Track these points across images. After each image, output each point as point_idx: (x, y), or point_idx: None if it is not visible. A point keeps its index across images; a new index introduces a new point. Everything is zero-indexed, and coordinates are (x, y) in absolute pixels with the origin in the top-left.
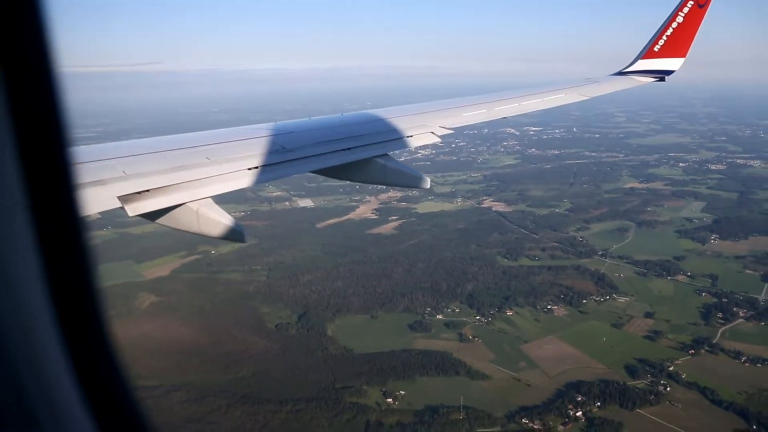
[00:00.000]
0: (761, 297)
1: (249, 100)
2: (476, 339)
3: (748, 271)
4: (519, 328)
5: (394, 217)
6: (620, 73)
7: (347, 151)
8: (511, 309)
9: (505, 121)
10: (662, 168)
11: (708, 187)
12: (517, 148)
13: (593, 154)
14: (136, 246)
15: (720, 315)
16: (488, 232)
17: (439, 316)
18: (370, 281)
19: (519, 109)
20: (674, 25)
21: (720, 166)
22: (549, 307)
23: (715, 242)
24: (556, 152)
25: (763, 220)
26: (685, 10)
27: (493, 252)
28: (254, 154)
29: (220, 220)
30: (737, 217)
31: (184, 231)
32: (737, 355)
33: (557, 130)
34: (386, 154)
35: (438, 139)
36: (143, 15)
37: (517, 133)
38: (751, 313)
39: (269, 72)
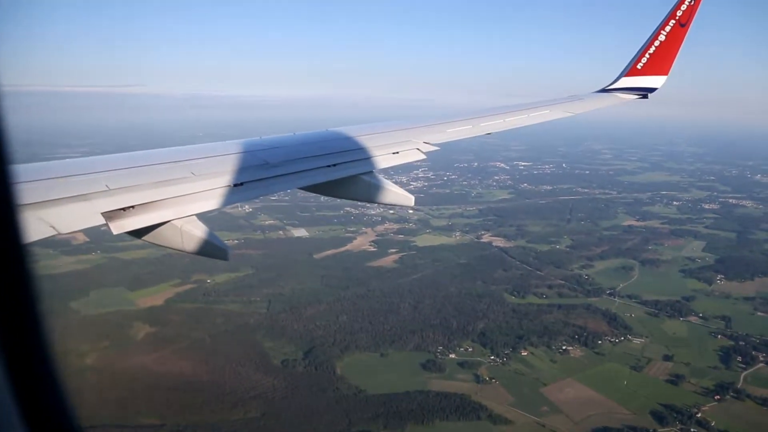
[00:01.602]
0: None
1: (234, 126)
2: (493, 380)
3: (759, 313)
4: (536, 370)
5: (394, 250)
6: (604, 91)
7: (333, 168)
8: (525, 349)
9: (494, 156)
10: (657, 206)
11: (705, 227)
12: (510, 182)
13: (586, 190)
14: (126, 272)
15: (740, 359)
16: (492, 267)
17: (452, 356)
18: (377, 317)
19: (504, 125)
20: (656, 43)
21: (713, 206)
22: (564, 347)
23: (721, 283)
24: (548, 188)
25: (765, 261)
26: (667, 28)
27: (500, 288)
28: (239, 169)
29: (203, 238)
30: (739, 257)
31: (167, 247)
32: (764, 401)
33: (547, 166)
34: (371, 171)
35: (424, 156)
36: (127, 37)
37: (507, 167)
38: None
39: (254, 99)
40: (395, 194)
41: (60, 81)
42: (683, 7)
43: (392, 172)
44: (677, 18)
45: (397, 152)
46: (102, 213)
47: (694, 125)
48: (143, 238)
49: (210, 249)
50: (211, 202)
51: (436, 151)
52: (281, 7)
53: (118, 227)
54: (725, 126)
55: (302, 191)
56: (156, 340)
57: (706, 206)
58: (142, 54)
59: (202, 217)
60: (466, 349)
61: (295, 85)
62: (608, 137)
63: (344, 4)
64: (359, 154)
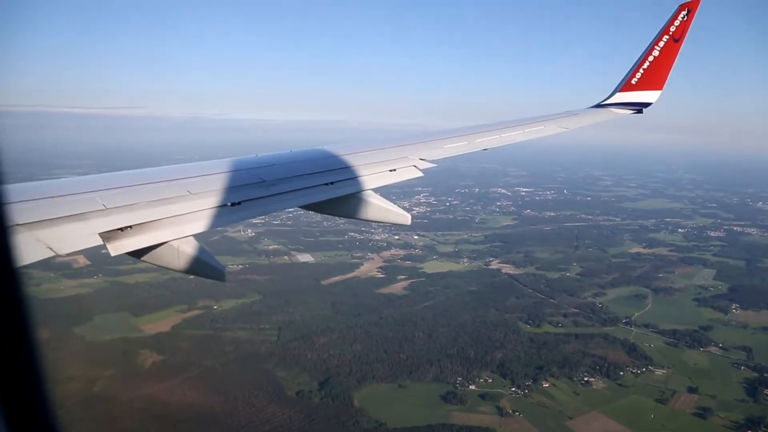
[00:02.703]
0: None
1: (233, 148)
2: (517, 413)
3: None
4: (559, 402)
5: (403, 277)
6: (599, 106)
7: (330, 186)
8: (546, 380)
9: (495, 181)
10: (662, 233)
11: (713, 254)
12: (512, 208)
13: (590, 217)
14: (130, 296)
15: (767, 392)
16: (504, 295)
17: (472, 387)
18: (392, 346)
19: (500, 141)
20: (650, 58)
21: (719, 233)
22: (586, 378)
23: (737, 312)
24: (552, 214)
25: None
26: (661, 44)
27: (514, 317)
28: (235, 188)
29: (200, 258)
30: (752, 286)
31: (163, 267)
32: None
33: (548, 192)
34: (369, 190)
35: (421, 174)
36: (128, 58)
37: (509, 193)
38: None
39: (252, 122)
40: (393, 213)
41: (58, 102)
42: (677, 22)
43: (393, 196)
44: (671, 33)
45: (394, 169)
46: (99, 233)
47: (690, 152)
48: (141, 258)
49: (206, 270)
50: (208, 222)
51: (436, 175)
52: (283, 32)
53: (116, 248)
54: (719, 152)
55: (303, 212)
56: (164, 369)
57: (712, 234)
58: (143, 76)
59: (204, 239)
60: (486, 380)
61: (298, 110)
62: (605, 163)
63: (346, 20)
64: (356, 172)
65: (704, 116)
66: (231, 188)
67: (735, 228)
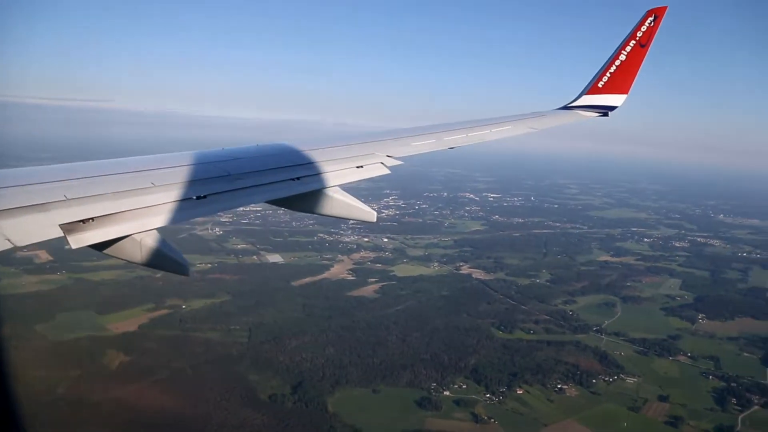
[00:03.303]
0: None
1: (202, 145)
2: (492, 420)
3: (746, 354)
4: (533, 409)
5: (373, 280)
6: (565, 108)
7: (297, 181)
8: (520, 387)
9: (463, 186)
10: (629, 242)
11: (679, 265)
12: (481, 213)
13: (557, 224)
14: (95, 294)
15: (734, 401)
16: (475, 300)
17: (447, 393)
18: (365, 350)
19: (467, 140)
20: (617, 62)
21: (683, 244)
22: (559, 386)
23: (703, 322)
24: (520, 220)
25: (742, 300)
26: (628, 48)
27: (486, 323)
28: (201, 181)
29: (164, 252)
30: (717, 296)
31: (126, 261)
32: None
33: (516, 198)
34: (335, 186)
35: (388, 171)
36: (95, 50)
37: (477, 198)
38: (765, 400)
39: (224, 120)
40: (359, 210)
41: (23, 92)
42: (644, 27)
43: (362, 198)
44: (638, 38)
45: (361, 166)
46: (60, 225)
47: (653, 163)
48: (103, 251)
49: (170, 264)
50: (173, 215)
51: (404, 178)
52: (259, 29)
53: (77, 241)
54: (682, 165)
55: (271, 212)
56: (132, 370)
57: (677, 244)
58: (111, 69)
59: (171, 236)
60: (460, 386)
61: (271, 109)
62: (571, 171)
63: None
64: (323, 168)
65: (668, 129)
66: (196, 181)
67: (699, 239)
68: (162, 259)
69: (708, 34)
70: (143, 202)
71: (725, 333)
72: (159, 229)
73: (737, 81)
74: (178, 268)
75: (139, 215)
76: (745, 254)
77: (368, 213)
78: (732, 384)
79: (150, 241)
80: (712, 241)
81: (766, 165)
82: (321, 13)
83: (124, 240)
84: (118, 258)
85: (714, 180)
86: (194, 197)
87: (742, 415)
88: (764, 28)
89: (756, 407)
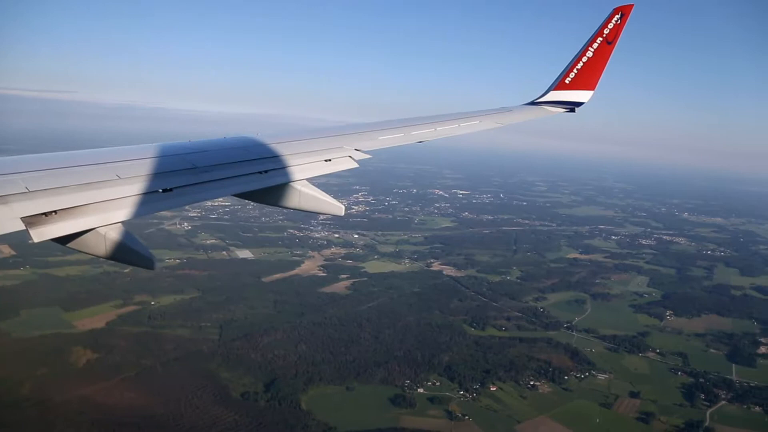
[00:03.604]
0: (735, 378)
1: (166, 138)
2: (466, 417)
3: (712, 350)
4: (507, 406)
5: (345, 276)
6: (533, 103)
7: (264, 175)
8: (494, 384)
9: (432, 183)
10: (597, 240)
11: (646, 262)
12: (451, 210)
13: (526, 221)
14: (61, 290)
15: (703, 396)
16: (447, 297)
17: (421, 390)
18: (338, 347)
19: (435, 134)
20: (584, 59)
21: (650, 242)
22: (532, 383)
23: (671, 319)
24: (490, 217)
25: (707, 297)
26: (595, 45)
27: (458, 320)
28: (167, 174)
29: (129, 246)
30: (684, 293)
31: (91, 255)
32: None
33: (485, 195)
34: (303, 179)
35: (356, 164)
36: (55, 39)
37: (447, 195)
38: (731, 395)
39: (187, 113)
40: (327, 203)
41: None
42: (610, 25)
43: (331, 194)
44: (604, 35)
45: (329, 159)
46: (22, 218)
47: (619, 161)
48: (66, 245)
49: (135, 258)
50: (139, 208)
51: (373, 175)
52: (220, 23)
53: (39, 234)
54: (647, 164)
55: (240, 207)
56: (100, 368)
57: (644, 242)
58: (74, 59)
59: (138, 231)
60: (434, 384)
61: (236, 102)
62: (539, 169)
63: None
64: (290, 161)
65: (632, 127)
66: (162, 174)
67: (664, 237)
68: (127, 253)
69: (674, 33)
70: (108, 194)
71: (692, 329)
72: (124, 223)
73: (701, 81)
74: (144, 262)
75: (104, 208)
76: (709, 252)
77: (336, 207)
78: (700, 380)
79: (115, 234)
80: (677, 239)
81: (728, 164)
82: (291, 5)
83: (88, 233)
84: (83, 252)
85: (678, 179)
86: (160, 190)
87: (710, 410)
88: (729, 29)
89: (723, 402)
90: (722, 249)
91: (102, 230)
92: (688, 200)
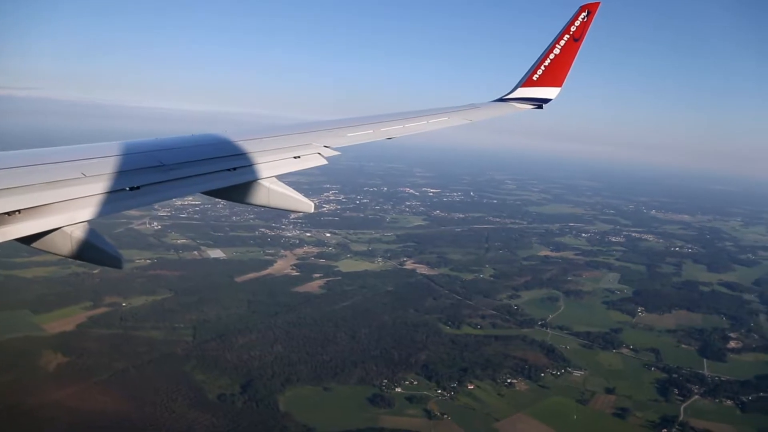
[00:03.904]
0: (706, 373)
1: (132, 136)
2: (445, 416)
3: (684, 346)
4: (485, 404)
5: (318, 275)
6: (501, 100)
7: (233, 172)
8: (471, 382)
9: (402, 181)
10: (567, 237)
11: (616, 259)
12: (422, 208)
13: (497, 219)
14: (29, 292)
15: (676, 391)
16: (421, 296)
17: (398, 389)
18: (314, 347)
19: (404, 131)
20: (552, 56)
21: (619, 239)
22: (509, 380)
23: (643, 315)
24: (461, 215)
25: (677, 294)
26: (562, 42)
27: (434, 318)
28: (134, 171)
29: (96, 245)
30: (654, 290)
31: (56, 255)
32: None
33: (455, 194)
34: (273, 177)
35: (325, 161)
36: (19, 35)
37: (417, 193)
38: (704, 389)
39: (151, 110)
40: (296, 200)
41: None
42: (577, 22)
43: (302, 192)
44: (571, 33)
45: (299, 156)
46: None
47: (587, 160)
48: (31, 245)
49: (103, 257)
50: (105, 207)
51: (343, 173)
52: (186, 18)
53: (3, 234)
54: (614, 162)
55: (210, 206)
56: (72, 372)
57: (613, 239)
58: (37, 55)
59: (107, 231)
60: (412, 383)
61: (200, 100)
62: (508, 167)
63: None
64: (259, 158)
65: (599, 126)
66: (129, 171)
67: (633, 234)
68: (94, 252)
69: (641, 30)
70: (73, 193)
71: (663, 325)
72: (91, 222)
73: (668, 80)
74: (112, 261)
75: (69, 207)
76: (677, 249)
77: (306, 204)
78: (673, 375)
79: (81, 233)
80: (646, 236)
81: (694, 162)
82: (258, 2)
83: (53, 233)
84: (48, 252)
85: (645, 177)
86: (127, 188)
87: (684, 405)
88: (697, 27)
89: (696, 397)
90: (690, 246)
91: (68, 229)
92: (655, 198)
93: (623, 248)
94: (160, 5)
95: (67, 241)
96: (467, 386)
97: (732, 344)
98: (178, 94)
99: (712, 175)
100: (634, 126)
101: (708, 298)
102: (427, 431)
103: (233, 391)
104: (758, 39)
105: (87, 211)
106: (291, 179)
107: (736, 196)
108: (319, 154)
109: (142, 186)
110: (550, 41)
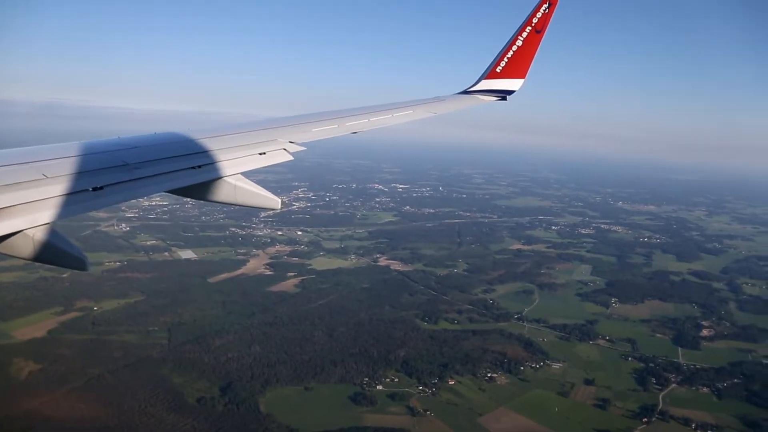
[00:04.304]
0: (681, 361)
1: (93, 137)
2: (428, 413)
3: (658, 335)
4: (467, 399)
5: (292, 274)
6: (465, 92)
7: (198, 170)
8: (452, 378)
9: (371, 177)
10: (537, 230)
11: (587, 251)
12: (392, 205)
13: (467, 214)
14: None
15: (654, 381)
16: (396, 292)
17: (380, 387)
18: (292, 347)
19: (369, 125)
20: (514, 48)
21: (589, 231)
22: (489, 375)
23: (617, 306)
24: (431, 211)
25: (648, 284)
26: (524, 34)
27: (410, 314)
28: (97, 171)
29: (59, 247)
30: (626, 281)
31: (18, 258)
32: (686, 422)
33: (424, 189)
34: (238, 173)
35: (291, 157)
36: None
37: (386, 189)
38: (680, 377)
39: (117, 110)
40: (263, 197)
41: None
42: (539, 14)
43: (270, 191)
44: (533, 24)
45: (264, 153)
46: None
47: (551, 152)
48: None
49: (67, 259)
50: (68, 208)
51: (311, 170)
52: (154, 15)
53: None
54: (579, 154)
55: (179, 206)
56: (45, 379)
57: (583, 231)
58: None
59: (74, 234)
60: (393, 380)
61: (168, 100)
62: (474, 162)
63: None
64: (224, 155)
65: (562, 119)
66: (92, 172)
67: (602, 226)
68: (57, 254)
69: (605, 22)
70: (34, 195)
71: (637, 315)
72: (55, 224)
73: (626, 70)
74: (76, 263)
75: (31, 209)
76: (646, 239)
77: (273, 200)
78: (650, 364)
79: (43, 236)
80: (614, 228)
81: (658, 153)
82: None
83: (15, 236)
84: (10, 255)
85: (610, 168)
86: (90, 189)
87: (662, 393)
88: (657, 20)
89: (674, 385)
90: (658, 236)
91: (29, 232)
92: (621, 189)
93: (593, 240)
94: (119, 3)
95: (29, 243)
96: (448, 382)
97: (705, 332)
98: (138, 94)
99: (671, 165)
100: (592, 118)
101: (679, 287)
102: (411, 429)
103: (213, 394)
104: (723, 27)
105: (49, 213)
106: (258, 176)
107: (695, 185)
108: (284, 149)
109: (106, 186)
110: (513, 33)
